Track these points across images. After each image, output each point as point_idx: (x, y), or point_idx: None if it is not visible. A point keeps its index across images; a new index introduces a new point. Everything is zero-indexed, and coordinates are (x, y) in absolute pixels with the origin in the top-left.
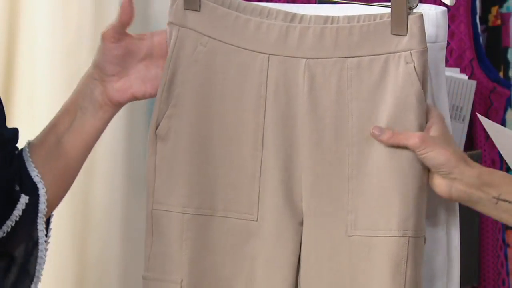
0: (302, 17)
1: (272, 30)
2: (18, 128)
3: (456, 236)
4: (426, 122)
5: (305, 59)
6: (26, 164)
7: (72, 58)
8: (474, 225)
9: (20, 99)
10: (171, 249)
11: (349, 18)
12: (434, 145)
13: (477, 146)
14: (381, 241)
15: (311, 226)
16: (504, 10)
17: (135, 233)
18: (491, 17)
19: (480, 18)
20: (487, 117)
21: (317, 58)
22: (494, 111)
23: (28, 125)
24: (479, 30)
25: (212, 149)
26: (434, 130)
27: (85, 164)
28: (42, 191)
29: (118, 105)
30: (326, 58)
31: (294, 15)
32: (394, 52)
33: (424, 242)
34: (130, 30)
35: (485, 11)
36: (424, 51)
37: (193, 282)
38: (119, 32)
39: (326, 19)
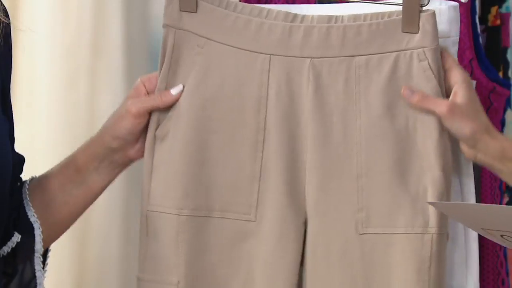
0: (303, 17)
1: (274, 30)
2: (16, 121)
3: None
4: (451, 85)
5: (310, 59)
6: (24, 202)
7: (71, 56)
8: None
9: (20, 98)
10: (167, 250)
11: (355, 17)
12: (461, 116)
13: None
14: (401, 239)
15: (317, 225)
16: (503, 10)
17: (135, 233)
18: (490, 17)
19: (479, 18)
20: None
21: (323, 58)
22: (494, 111)
23: (28, 125)
24: (479, 30)
25: (210, 150)
26: (461, 97)
27: None
28: (38, 231)
29: (134, 160)
30: (332, 57)
31: (295, 15)
32: (404, 50)
33: (447, 239)
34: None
35: (485, 11)
36: (436, 49)
37: (189, 283)
38: (152, 110)
39: (329, 18)
